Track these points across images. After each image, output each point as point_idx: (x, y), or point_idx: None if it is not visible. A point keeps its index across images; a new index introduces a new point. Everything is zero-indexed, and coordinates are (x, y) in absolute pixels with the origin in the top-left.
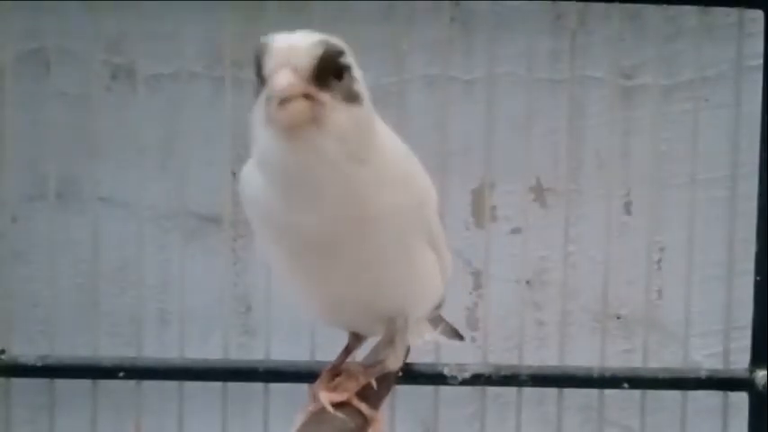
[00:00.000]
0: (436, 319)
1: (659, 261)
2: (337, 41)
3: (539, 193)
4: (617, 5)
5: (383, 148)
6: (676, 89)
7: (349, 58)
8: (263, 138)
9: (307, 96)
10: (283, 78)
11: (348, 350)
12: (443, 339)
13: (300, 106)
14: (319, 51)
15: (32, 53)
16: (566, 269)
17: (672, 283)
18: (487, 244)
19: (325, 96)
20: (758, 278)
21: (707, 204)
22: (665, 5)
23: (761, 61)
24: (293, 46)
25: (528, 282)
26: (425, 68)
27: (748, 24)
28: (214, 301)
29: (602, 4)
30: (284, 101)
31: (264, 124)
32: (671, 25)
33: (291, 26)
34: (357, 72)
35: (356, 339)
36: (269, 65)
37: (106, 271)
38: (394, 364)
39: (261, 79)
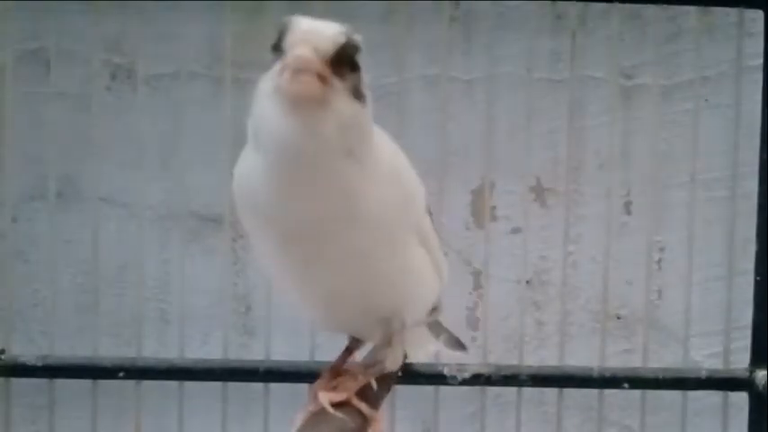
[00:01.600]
0: (437, 328)
1: (659, 261)
2: (357, 37)
3: (539, 193)
4: (617, 5)
5: (376, 153)
6: (676, 89)
7: (360, 57)
8: (266, 108)
9: (320, 78)
10: (303, 50)
11: (349, 351)
12: (446, 350)
13: (313, 81)
14: (342, 40)
15: (32, 53)
16: (566, 269)
17: (672, 283)
18: (487, 244)
19: (336, 82)
20: (758, 278)
21: (707, 204)
22: (665, 5)
23: (761, 61)
24: (318, 28)
25: (528, 282)
26: (425, 68)
27: (748, 24)
28: (214, 301)
29: (602, 4)
30: (298, 73)
31: (272, 93)
32: (671, 25)
33: None
34: (364, 75)
35: (356, 341)
36: (290, 39)
37: (106, 271)
38: (393, 364)
39: (278, 53)
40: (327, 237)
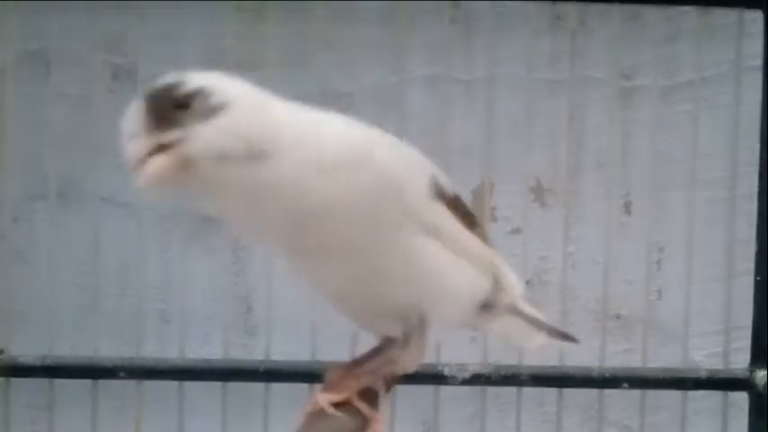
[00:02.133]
0: (538, 323)
1: (659, 261)
2: (169, 80)
3: (539, 193)
4: (617, 6)
5: (300, 135)
6: (676, 89)
7: (193, 81)
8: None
9: (156, 149)
10: (126, 150)
11: (377, 350)
12: (555, 342)
13: (151, 165)
14: (143, 108)
15: (33, 54)
16: (566, 269)
17: (671, 282)
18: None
19: (175, 134)
20: (758, 278)
21: (707, 204)
22: (664, 6)
23: (760, 62)
24: (125, 117)
25: (528, 282)
26: (426, 69)
27: (748, 25)
28: (214, 301)
29: (602, 5)
30: (142, 171)
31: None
32: (671, 26)
33: (292, 26)
34: (216, 85)
35: (388, 341)
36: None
37: (107, 271)
38: (408, 365)
39: None
40: (307, 240)
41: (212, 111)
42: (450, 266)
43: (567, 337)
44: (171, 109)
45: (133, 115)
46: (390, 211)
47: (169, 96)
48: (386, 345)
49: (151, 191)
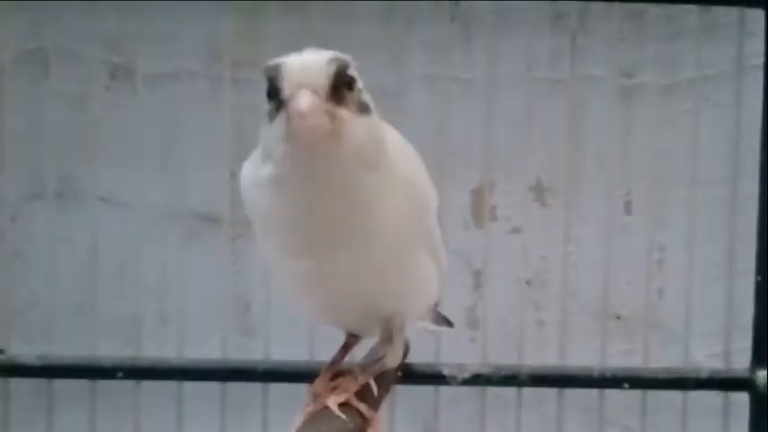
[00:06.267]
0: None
1: (659, 261)
2: (344, 55)
3: (539, 193)
4: (617, 5)
5: (392, 155)
6: (677, 88)
7: (354, 70)
8: (279, 152)
9: (326, 113)
10: (304, 99)
11: (346, 348)
12: (434, 327)
13: (320, 122)
14: (333, 69)
15: (32, 53)
16: (566, 269)
17: (672, 282)
18: (487, 244)
19: (342, 111)
20: (759, 278)
21: (707, 204)
22: (665, 5)
23: (761, 60)
24: (308, 66)
25: (528, 282)
26: (425, 68)
27: (749, 23)
28: (213, 301)
29: (603, 4)
30: (304, 123)
31: (283, 140)
32: (671, 24)
33: (290, 25)
34: (360, 82)
35: (354, 336)
36: (286, 86)
37: (105, 271)
38: (393, 361)
39: (276, 100)
40: (341, 249)
41: (363, 107)
42: (433, 278)
43: (447, 321)
44: (343, 84)
45: (319, 71)
46: (418, 233)
47: (346, 75)
48: (352, 341)
49: (302, 141)
